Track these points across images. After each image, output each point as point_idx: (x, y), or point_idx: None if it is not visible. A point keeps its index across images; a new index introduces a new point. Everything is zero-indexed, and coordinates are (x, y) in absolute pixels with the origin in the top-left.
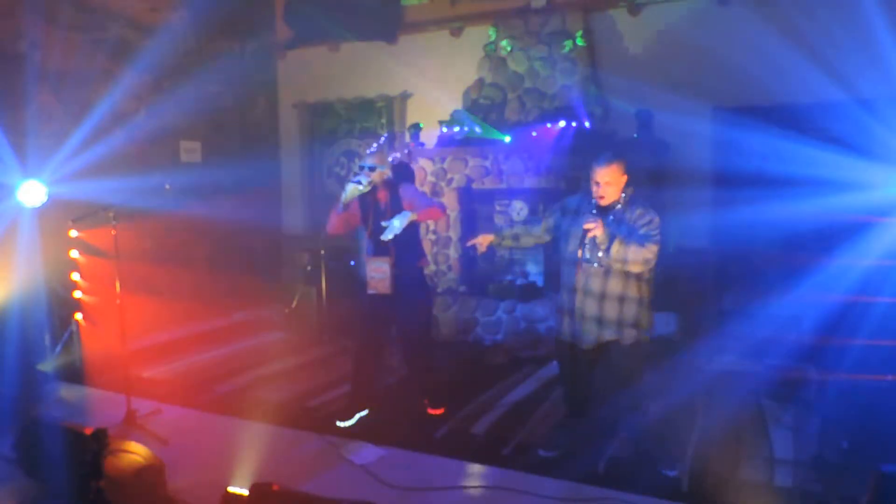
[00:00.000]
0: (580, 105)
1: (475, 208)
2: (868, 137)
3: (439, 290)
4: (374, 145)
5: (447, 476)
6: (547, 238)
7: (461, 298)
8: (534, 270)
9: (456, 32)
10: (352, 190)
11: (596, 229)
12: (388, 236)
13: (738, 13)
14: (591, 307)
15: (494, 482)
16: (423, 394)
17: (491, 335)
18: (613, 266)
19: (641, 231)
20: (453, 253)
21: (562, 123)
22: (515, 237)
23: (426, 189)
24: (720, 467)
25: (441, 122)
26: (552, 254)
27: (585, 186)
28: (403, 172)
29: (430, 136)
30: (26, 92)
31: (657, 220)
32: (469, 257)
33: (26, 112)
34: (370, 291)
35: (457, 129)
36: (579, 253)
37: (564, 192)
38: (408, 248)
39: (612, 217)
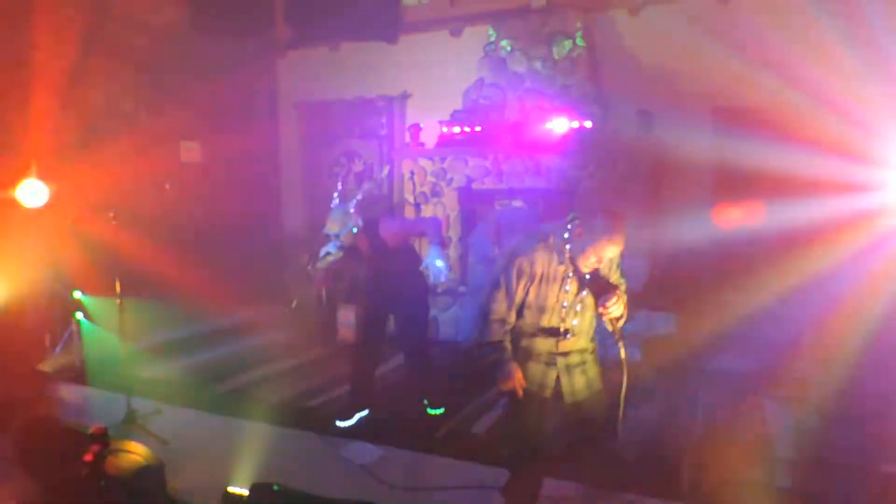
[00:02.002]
0: (580, 105)
1: (475, 208)
2: (868, 138)
3: (439, 290)
4: (333, 205)
5: (447, 476)
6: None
7: (461, 298)
8: None
9: (456, 32)
10: (325, 260)
11: (619, 308)
12: (440, 279)
13: (738, 13)
14: (573, 361)
15: (494, 482)
16: (423, 394)
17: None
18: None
19: (614, 276)
20: (453, 253)
21: (562, 124)
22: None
23: (426, 189)
24: (720, 467)
25: (441, 122)
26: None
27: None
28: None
29: (430, 136)
30: (26, 92)
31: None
32: (469, 257)
33: (26, 112)
34: (339, 339)
35: (457, 129)
36: (561, 327)
37: (564, 192)
38: (402, 252)
39: (588, 278)
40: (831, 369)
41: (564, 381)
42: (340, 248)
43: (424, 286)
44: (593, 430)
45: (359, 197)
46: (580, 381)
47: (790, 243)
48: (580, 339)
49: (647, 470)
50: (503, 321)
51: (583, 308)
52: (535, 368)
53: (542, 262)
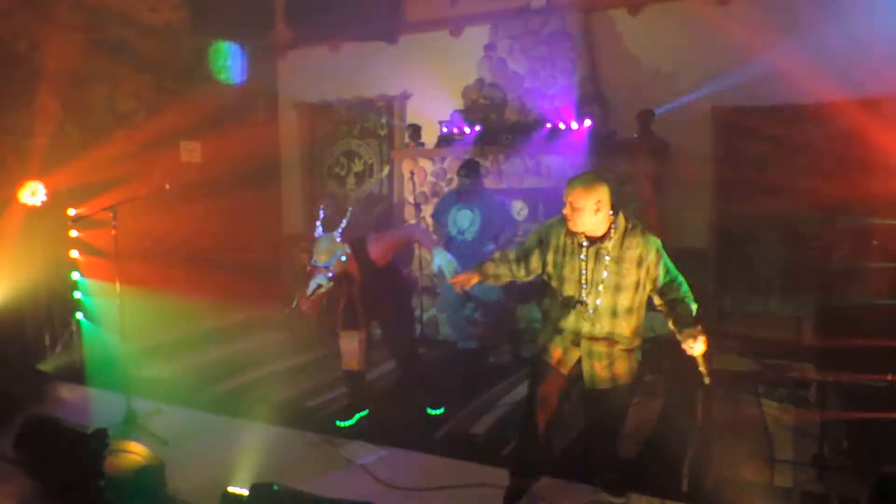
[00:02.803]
0: (580, 105)
1: None
2: (868, 138)
3: (438, 290)
4: (316, 234)
5: (447, 476)
6: (528, 279)
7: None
8: None
9: (456, 32)
10: (315, 290)
11: (700, 346)
12: (450, 277)
13: (737, 13)
14: (599, 350)
15: (494, 482)
16: (422, 394)
17: (490, 335)
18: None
19: (663, 277)
20: None
21: (562, 124)
22: (497, 277)
23: (426, 189)
24: (720, 467)
25: (441, 122)
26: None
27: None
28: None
29: (430, 136)
30: (26, 92)
31: (660, 244)
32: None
33: (26, 112)
34: (343, 368)
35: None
36: (585, 301)
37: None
38: (390, 265)
39: (608, 257)
40: (831, 368)
41: (586, 365)
42: (331, 277)
43: (410, 292)
44: (609, 422)
45: (343, 225)
46: (604, 372)
47: (790, 242)
48: (604, 325)
49: (647, 470)
50: (504, 259)
51: (605, 289)
52: (559, 343)
53: (557, 233)
